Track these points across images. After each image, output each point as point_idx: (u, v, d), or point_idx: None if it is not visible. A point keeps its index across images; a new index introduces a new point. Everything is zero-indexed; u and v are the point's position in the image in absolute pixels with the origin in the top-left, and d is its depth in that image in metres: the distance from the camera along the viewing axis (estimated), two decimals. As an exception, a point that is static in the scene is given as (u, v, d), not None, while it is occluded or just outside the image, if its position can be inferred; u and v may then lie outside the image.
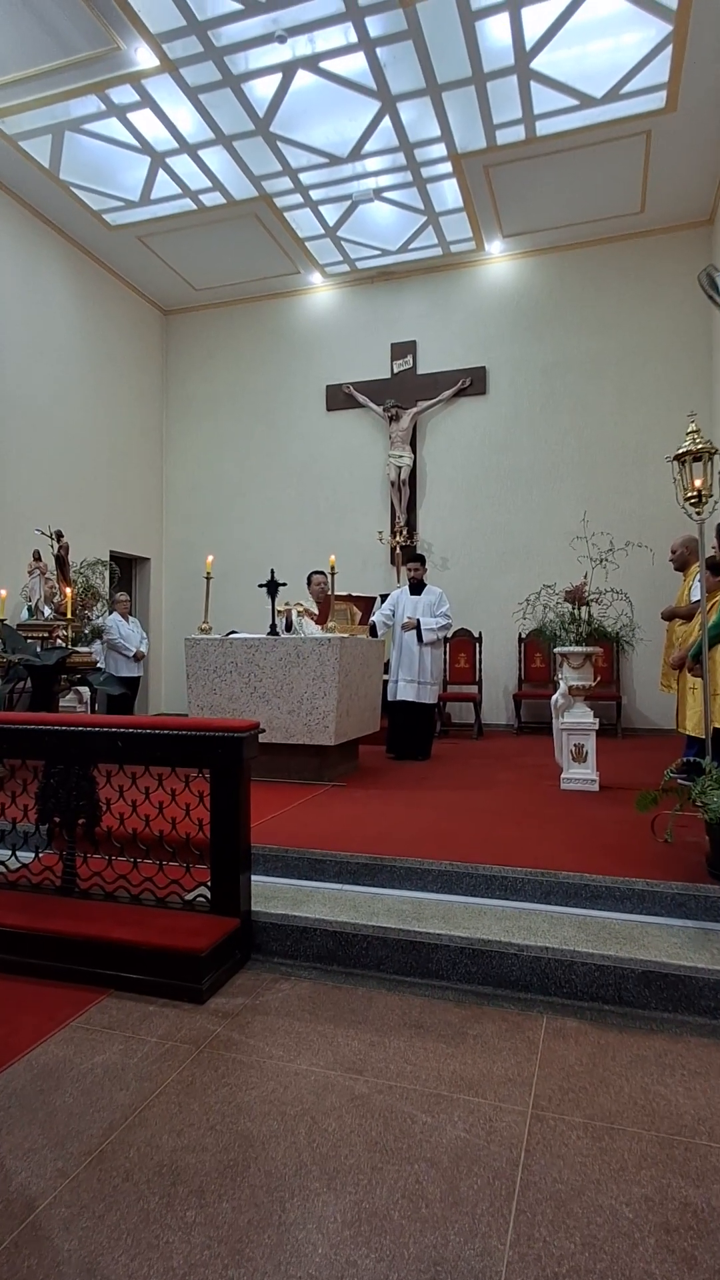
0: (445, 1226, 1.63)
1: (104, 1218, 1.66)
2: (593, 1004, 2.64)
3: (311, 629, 5.90)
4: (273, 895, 3.25)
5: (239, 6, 5.53)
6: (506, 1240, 1.58)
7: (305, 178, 7.55)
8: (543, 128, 6.77)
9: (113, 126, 6.83)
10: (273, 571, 5.85)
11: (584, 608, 5.16)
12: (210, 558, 6.09)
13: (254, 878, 3.27)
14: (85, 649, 6.86)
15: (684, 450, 3.74)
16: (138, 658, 8.17)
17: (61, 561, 6.80)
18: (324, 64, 6.08)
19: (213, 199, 7.89)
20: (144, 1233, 1.61)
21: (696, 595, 4.96)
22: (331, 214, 8.17)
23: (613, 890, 3.09)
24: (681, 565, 5.59)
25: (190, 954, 2.70)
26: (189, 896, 3.13)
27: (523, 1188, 1.75)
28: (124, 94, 6.41)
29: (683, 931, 2.85)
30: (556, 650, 5.24)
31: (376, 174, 7.51)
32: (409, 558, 6.92)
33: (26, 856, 3.63)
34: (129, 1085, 2.16)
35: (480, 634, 8.62)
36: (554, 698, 5.44)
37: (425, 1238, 1.59)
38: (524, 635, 8.43)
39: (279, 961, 3.01)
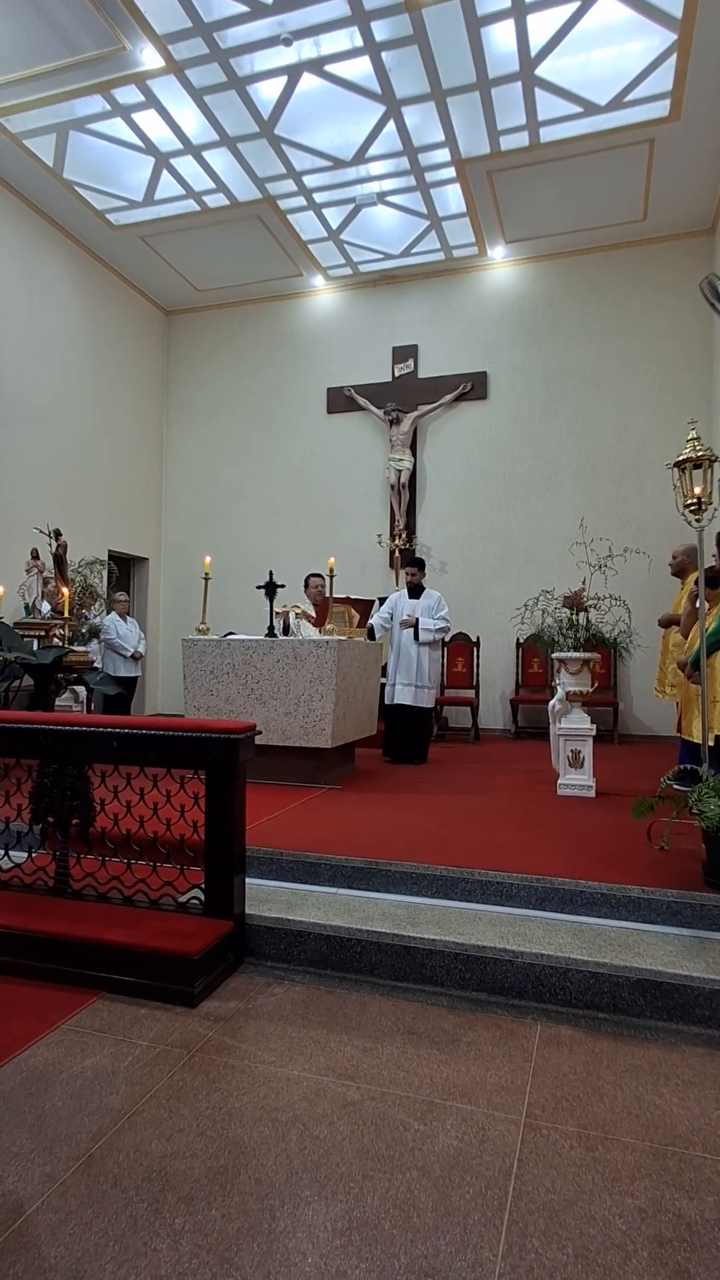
0: (437, 1236, 1.61)
1: (91, 1224, 1.64)
2: (587, 1012, 2.62)
3: (309, 631, 5.89)
4: (267, 898, 3.23)
5: (245, 9, 5.54)
6: (499, 1251, 1.57)
7: (309, 180, 7.55)
8: (546, 134, 6.79)
9: (117, 126, 6.83)
10: (271, 573, 5.83)
11: (582, 613, 5.16)
12: (208, 559, 6.08)
13: (248, 880, 3.25)
14: (82, 648, 6.84)
15: (684, 457, 3.74)
16: (135, 658, 8.15)
17: (59, 560, 6.78)
18: (329, 67, 6.08)
19: (216, 200, 7.90)
20: (132, 1240, 1.59)
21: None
22: (335, 217, 8.18)
23: (608, 897, 3.07)
24: (679, 572, 5.59)
25: (183, 957, 2.69)
26: (183, 898, 3.11)
27: (515, 1197, 1.73)
28: (129, 94, 6.41)
29: (678, 940, 2.84)
30: (554, 656, 5.23)
31: (380, 178, 7.53)
32: (408, 561, 6.91)
33: (20, 856, 3.61)
34: (119, 1089, 2.15)
35: (478, 638, 8.61)
36: (551, 703, 5.43)
37: (416, 1248, 1.58)
38: (521, 640, 8.43)
39: (272, 965, 2.99)
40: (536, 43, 5.80)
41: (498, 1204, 1.71)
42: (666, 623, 5.48)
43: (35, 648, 6.05)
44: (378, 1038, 2.44)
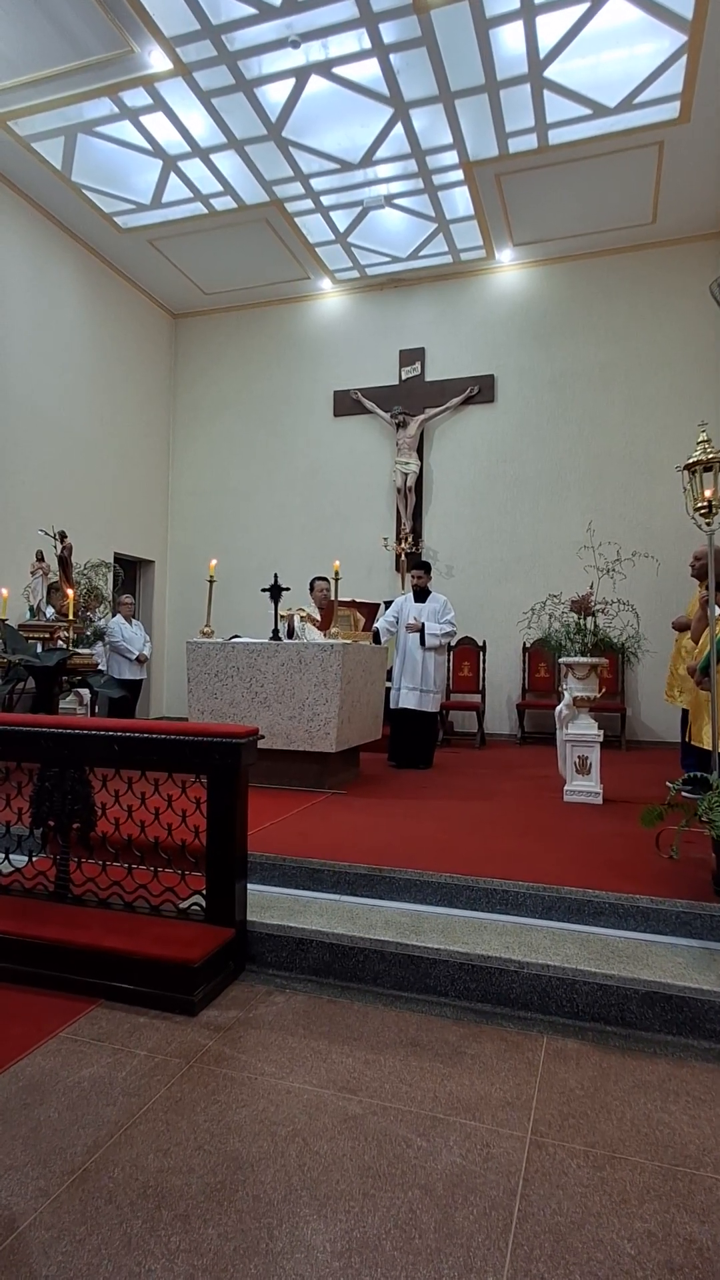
0: (439, 1259, 1.56)
1: (85, 1242, 1.60)
2: (594, 1025, 2.57)
3: (314, 635, 5.85)
4: (269, 905, 3.19)
5: (253, 11, 5.53)
6: (503, 1276, 1.52)
7: (316, 183, 7.54)
8: (555, 137, 6.76)
9: (125, 129, 6.83)
10: (276, 576, 5.80)
11: (589, 618, 5.11)
12: (214, 561, 6.05)
13: (250, 887, 3.21)
14: (86, 650, 6.82)
15: (694, 460, 3.69)
16: (140, 660, 8.13)
17: (64, 562, 6.77)
18: (337, 69, 6.07)
19: (224, 203, 7.89)
20: (125, 1259, 1.55)
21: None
22: (342, 220, 8.17)
23: (616, 907, 3.02)
24: (701, 574, 5.53)
25: (183, 964, 2.64)
26: (184, 905, 3.07)
27: (520, 1219, 1.68)
28: (137, 97, 6.41)
29: (688, 951, 2.78)
30: (561, 661, 5.18)
31: (388, 180, 7.50)
32: (413, 565, 6.87)
33: (20, 860, 3.57)
34: (116, 1101, 2.10)
35: (484, 642, 8.56)
36: (558, 708, 5.37)
37: (418, 1271, 1.53)
38: (528, 645, 8.37)
39: (274, 973, 2.94)
40: (545, 44, 5.77)
41: (502, 1226, 1.66)
42: (681, 626, 5.42)
43: (39, 650, 6.03)
44: (380, 1049, 2.40)
